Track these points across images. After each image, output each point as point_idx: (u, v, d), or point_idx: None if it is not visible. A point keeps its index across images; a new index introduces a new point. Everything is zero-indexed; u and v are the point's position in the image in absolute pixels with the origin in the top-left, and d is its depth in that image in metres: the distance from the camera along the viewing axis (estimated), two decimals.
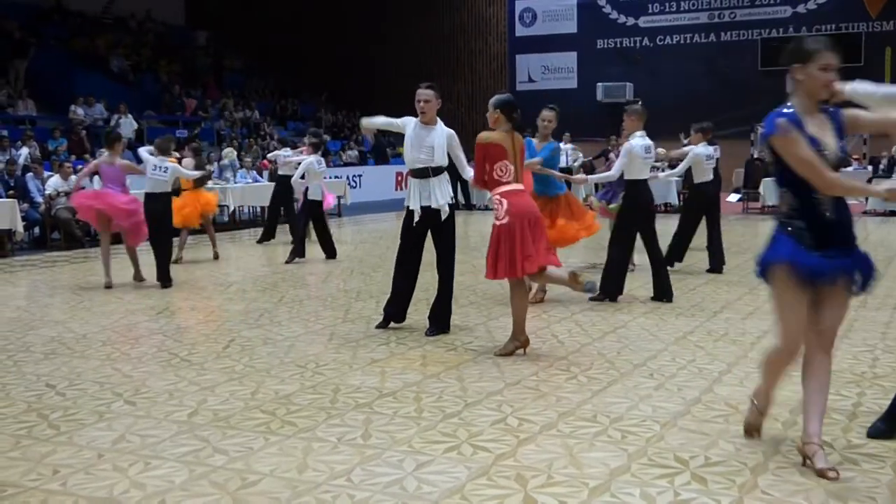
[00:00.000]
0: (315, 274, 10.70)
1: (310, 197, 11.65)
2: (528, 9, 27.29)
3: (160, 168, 9.51)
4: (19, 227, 13.39)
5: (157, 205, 9.46)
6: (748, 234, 14.71)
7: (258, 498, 3.62)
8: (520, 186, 6.11)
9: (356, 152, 25.48)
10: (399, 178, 25.11)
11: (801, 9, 23.85)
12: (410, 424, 4.55)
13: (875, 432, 4.24)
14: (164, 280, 9.52)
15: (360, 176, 24.31)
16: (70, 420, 4.74)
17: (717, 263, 9.98)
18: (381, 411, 4.79)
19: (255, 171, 18.41)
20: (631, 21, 25.88)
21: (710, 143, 10.26)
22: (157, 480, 3.82)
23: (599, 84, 25.44)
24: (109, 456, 4.14)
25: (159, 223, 9.49)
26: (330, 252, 11.87)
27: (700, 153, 9.97)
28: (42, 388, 5.41)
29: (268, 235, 14.02)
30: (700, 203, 10.24)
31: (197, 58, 27.37)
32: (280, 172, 13.28)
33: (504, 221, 5.92)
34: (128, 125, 20.05)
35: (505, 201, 5.96)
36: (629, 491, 3.63)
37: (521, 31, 27.49)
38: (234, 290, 9.51)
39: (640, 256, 8.90)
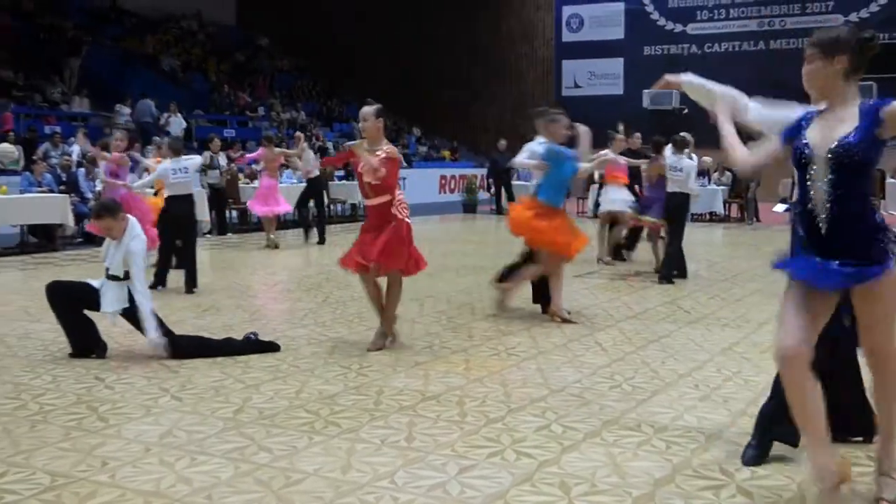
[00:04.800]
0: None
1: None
2: (576, 14, 27.23)
3: (181, 170, 9.17)
4: (70, 221, 13.63)
5: (184, 206, 9.23)
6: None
7: (302, 497, 3.64)
8: None
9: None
10: (443, 181, 25.17)
11: (853, 17, 23.52)
12: (454, 428, 4.56)
13: (749, 460, 4.02)
14: (191, 285, 9.15)
15: (403, 179, 24.37)
16: (118, 413, 4.81)
17: (668, 272, 9.93)
18: (425, 414, 4.81)
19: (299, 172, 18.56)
20: (679, 28, 25.72)
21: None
22: (204, 476, 3.86)
23: (645, 91, 25.29)
24: (156, 450, 4.20)
25: (185, 226, 9.27)
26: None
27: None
28: (91, 381, 5.51)
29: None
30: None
31: (256, 59, 27.63)
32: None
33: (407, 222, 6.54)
34: (177, 124, 20.35)
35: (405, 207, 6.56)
36: (673, 502, 3.60)
37: (567, 36, 27.43)
38: (279, 289, 9.59)
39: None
